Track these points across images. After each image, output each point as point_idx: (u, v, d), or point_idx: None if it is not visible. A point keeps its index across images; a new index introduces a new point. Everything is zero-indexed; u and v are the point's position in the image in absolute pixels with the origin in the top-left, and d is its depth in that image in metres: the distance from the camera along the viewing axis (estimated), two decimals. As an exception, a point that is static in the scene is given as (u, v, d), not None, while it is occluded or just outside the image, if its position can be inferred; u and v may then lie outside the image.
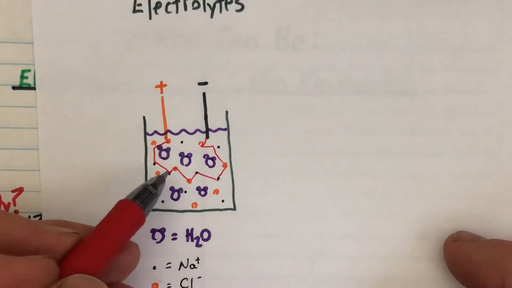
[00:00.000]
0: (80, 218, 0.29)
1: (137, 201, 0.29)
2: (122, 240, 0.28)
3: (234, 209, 0.32)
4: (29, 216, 0.32)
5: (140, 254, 0.30)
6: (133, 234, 0.29)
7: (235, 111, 0.32)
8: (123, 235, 0.28)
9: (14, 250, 0.25)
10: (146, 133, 0.32)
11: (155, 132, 0.32)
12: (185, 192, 0.32)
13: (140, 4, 0.32)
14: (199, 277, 0.32)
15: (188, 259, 0.32)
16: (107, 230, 0.27)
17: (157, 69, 0.32)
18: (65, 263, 0.26)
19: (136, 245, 0.29)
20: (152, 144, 0.32)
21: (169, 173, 0.32)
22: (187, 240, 0.32)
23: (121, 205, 0.28)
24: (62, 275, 0.25)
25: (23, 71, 0.32)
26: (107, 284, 0.25)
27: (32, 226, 0.26)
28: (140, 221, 0.29)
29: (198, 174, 0.32)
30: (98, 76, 0.32)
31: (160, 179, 0.31)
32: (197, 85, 0.32)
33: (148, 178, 0.32)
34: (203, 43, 0.32)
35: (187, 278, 0.32)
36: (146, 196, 0.29)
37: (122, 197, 0.29)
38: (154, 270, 0.32)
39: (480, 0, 0.32)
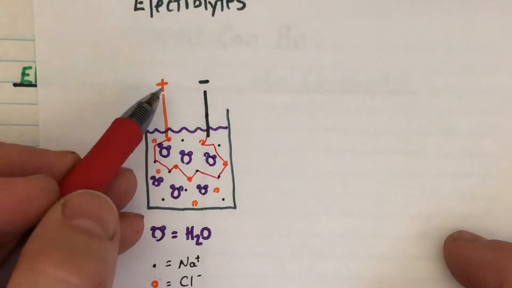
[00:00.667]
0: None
1: (133, 118, 0.29)
2: (121, 157, 0.28)
3: (235, 207, 0.32)
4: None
5: (136, 179, 0.30)
6: (131, 151, 0.28)
7: (236, 109, 0.32)
8: (122, 152, 0.28)
9: (14, 173, 0.25)
10: (146, 131, 0.32)
11: (156, 130, 0.32)
12: (186, 190, 0.32)
13: (141, 2, 0.32)
14: (199, 275, 0.32)
15: (188, 257, 0.32)
16: (105, 148, 0.27)
17: (158, 67, 0.32)
18: (65, 182, 0.25)
19: (130, 170, 0.29)
20: (152, 142, 0.32)
21: (162, 90, 0.32)
22: (187, 238, 0.32)
23: (117, 123, 0.28)
24: (63, 194, 0.25)
25: (24, 68, 0.32)
26: None
27: (30, 150, 0.26)
28: (138, 138, 0.29)
29: (198, 172, 0.32)
30: (99, 73, 0.32)
31: (154, 96, 0.31)
32: (198, 83, 0.32)
33: (149, 176, 0.32)
34: (204, 41, 0.32)
35: (187, 276, 0.32)
36: (141, 113, 0.29)
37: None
38: (154, 268, 0.32)
39: (480, 0, 0.32)
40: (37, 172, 0.25)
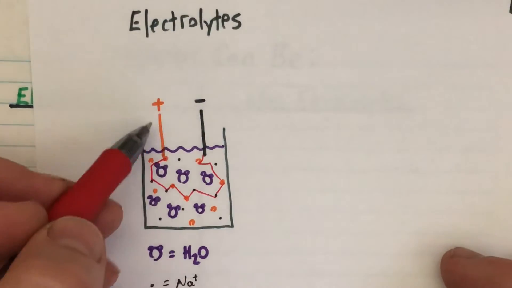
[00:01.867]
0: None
1: (123, 150, 0.29)
2: (109, 188, 0.28)
3: (232, 226, 0.32)
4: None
5: (122, 213, 0.30)
6: (119, 182, 0.29)
7: (232, 128, 0.32)
8: (110, 183, 0.28)
9: (1, 191, 0.25)
10: (143, 151, 0.32)
11: (152, 149, 0.32)
12: (183, 209, 0.32)
13: (137, 22, 0.32)
14: (197, 295, 0.32)
15: (185, 277, 0.32)
16: (94, 178, 0.27)
17: (154, 87, 0.32)
18: (53, 210, 0.26)
19: (118, 204, 0.29)
20: (149, 161, 0.32)
21: (151, 123, 0.32)
22: (185, 258, 0.32)
23: (106, 154, 0.29)
24: (50, 221, 0.25)
25: (21, 89, 0.32)
26: None
27: (20, 169, 0.26)
28: (126, 170, 0.29)
29: (195, 191, 0.32)
30: (96, 94, 0.32)
31: (144, 130, 0.31)
32: (194, 102, 0.32)
33: (146, 195, 0.32)
34: (200, 61, 0.32)
35: (184, 296, 0.32)
36: (131, 145, 0.29)
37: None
38: (152, 287, 0.32)
39: (477, 17, 0.32)
40: (25, 194, 0.25)
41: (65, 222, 0.24)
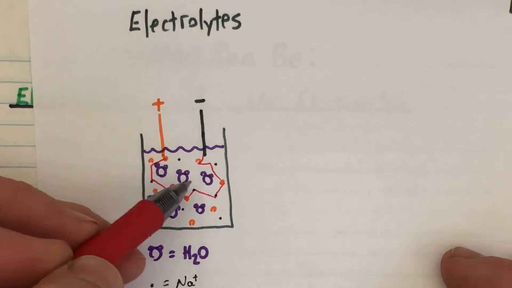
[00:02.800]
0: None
1: (158, 203, 0.29)
2: (139, 239, 0.28)
3: (232, 226, 0.32)
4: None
5: (144, 265, 0.30)
6: (150, 235, 0.29)
7: (232, 128, 0.32)
8: (141, 234, 0.28)
9: (32, 226, 0.25)
10: (143, 151, 0.32)
11: (152, 149, 0.32)
12: (183, 209, 0.32)
13: (137, 22, 0.32)
14: (197, 295, 0.32)
15: (185, 277, 0.32)
16: (125, 227, 0.27)
17: (154, 87, 0.32)
18: (79, 251, 0.25)
19: (142, 256, 0.30)
20: (149, 161, 0.32)
21: (190, 182, 0.32)
22: (185, 258, 0.32)
23: (142, 205, 0.29)
24: None
25: (21, 89, 0.32)
26: None
27: (53, 206, 0.26)
28: (158, 223, 0.29)
29: (195, 192, 0.32)
30: (96, 94, 0.32)
31: (182, 187, 0.31)
32: (194, 103, 0.32)
33: (146, 195, 0.32)
34: (200, 61, 0.32)
35: (184, 296, 0.32)
36: (166, 200, 0.29)
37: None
38: (152, 287, 0.32)
39: (477, 17, 0.32)
40: (54, 231, 0.25)
41: (87, 260, 0.24)
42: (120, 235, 0.27)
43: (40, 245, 0.23)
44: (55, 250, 0.24)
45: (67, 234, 0.26)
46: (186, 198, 0.32)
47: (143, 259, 0.30)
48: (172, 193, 0.30)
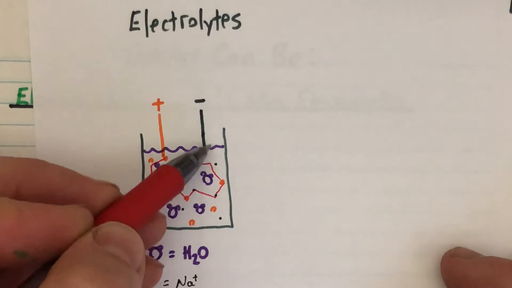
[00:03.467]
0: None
1: (179, 168, 0.29)
2: (160, 203, 0.28)
3: (232, 226, 0.32)
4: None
5: (166, 226, 0.30)
6: (171, 199, 0.29)
7: (232, 128, 0.32)
8: (161, 198, 0.28)
9: (54, 197, 0.25)
10: (143, 151, 0.32)
11: (152, 149, 0.32)
12: (182, 209, 0.32)
13: (137, 22, 0.32)
14: (197, 295, 0.32)
15: (185, 277, 0.32)
16: (146, 191, 0.27)
17: (154, 87, 0.32)
18: (101, 216, 0.26)
19: (163, 217, 0.30)
20: (149, 161, 0.32)
21: (210, 145, 0.32)
22: (185, 258, 0.32)
23: (162, 170, 0.29)
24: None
25: (21, 89, 0.32)
26: None
27: (71, 174, 0.27)
28: (179, 188, 0.29)
29: (195, 191, 0.32)
30: (95, 94, 0.32)
31: (201, 151, 0.31)
32: (194, 103, 0.32)
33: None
34: (200, 61, 0.32)
35: (184, 296, 0.32)
36: (187, 164, 0.30)
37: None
38: (152, 287, 0.32)
39: (477, 18, 0.32)
40: (75, 199, 0.25)
41: (111, 228, 0.24)
42: (142, 200, 0.27)
43: (61, 212, 0.24)
44: (76, 215, 0.24)
45: (89, 199, 0.26)
46: (186, 198, 0.32)
47: (164, 218, 0.30)
48: (192, 157, 0.30)
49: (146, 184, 0.28)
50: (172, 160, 0.30)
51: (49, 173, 0.26)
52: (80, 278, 0.21)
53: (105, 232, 0.24)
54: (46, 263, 0.24)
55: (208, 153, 0.32)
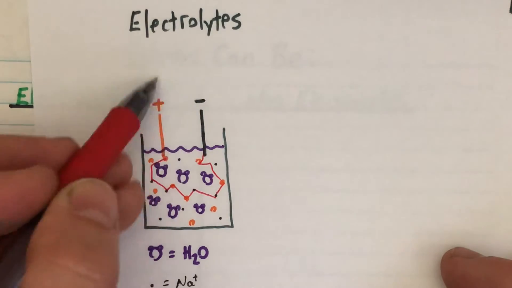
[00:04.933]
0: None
1: (131, 107, 0.29)
2: (119, 146, 0.28)
3: (232, 226, 0.32)
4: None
5: (132, 164, 0.30)
6: (129, 140, 0.29)
7: (232, 128, 0.32)
8: (120, 141, 0.28)
9: (14, 164, 0.25)
10: (143, 151, 0.32)
11: (152, 149, 0.32)
12: (183, 209, 0.32)
13: (137, 22, 0.32)
14: (197, 295, 0.32)
15: (185, 277, 0.32)
16: (103, 137, 0.27)
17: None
18: (65, 171, 0.25)
19: (127, 156, 0.29)
20: (149, 161, 0.32)
21: (156, 78, 0.32)
22: (185, 258, 0.32)
23: (115, 113, 0.29)
24: (62, 182, 0.25)
25: (21, 89, 0.32)
26: None
27: (24, 137, 0.26)
28: (135, 127, 0.29)
29: (195, 192, 0.32)
30: (95, 94, 0.32)
31: (150, 86, 0.31)
32: (194, 103, 0.32)
33: (146, 195, 0.32)
34: (200, 61, 0.32)
35: (184, 296, 0.32)
36: (138, 102, 0.29)
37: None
38: (152, 287, 0.32)
39: (477, 17, 0.32)
40: (34, 160, 0.25)
41: (84, 187, 0.24)
42: (101, 147, 0.27)
43: (23, 175, 0.24)
44: (39, 175, 0.24)
45: (48, 157, 0.26)
46: (186, 198, 0.32)
47: (127, 156, 0.29)
48: (142, 94, 0.30)
49: (102, 130, 0.28)
50: (122, 101, 0.29)
51: (2, 142, 0.26)
52: (71, 259, 0.21)
53: (80, 194, 0.24)
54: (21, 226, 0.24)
55: (156, 87, 0.31)
